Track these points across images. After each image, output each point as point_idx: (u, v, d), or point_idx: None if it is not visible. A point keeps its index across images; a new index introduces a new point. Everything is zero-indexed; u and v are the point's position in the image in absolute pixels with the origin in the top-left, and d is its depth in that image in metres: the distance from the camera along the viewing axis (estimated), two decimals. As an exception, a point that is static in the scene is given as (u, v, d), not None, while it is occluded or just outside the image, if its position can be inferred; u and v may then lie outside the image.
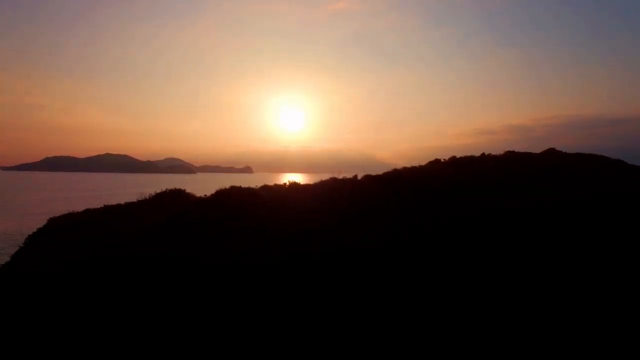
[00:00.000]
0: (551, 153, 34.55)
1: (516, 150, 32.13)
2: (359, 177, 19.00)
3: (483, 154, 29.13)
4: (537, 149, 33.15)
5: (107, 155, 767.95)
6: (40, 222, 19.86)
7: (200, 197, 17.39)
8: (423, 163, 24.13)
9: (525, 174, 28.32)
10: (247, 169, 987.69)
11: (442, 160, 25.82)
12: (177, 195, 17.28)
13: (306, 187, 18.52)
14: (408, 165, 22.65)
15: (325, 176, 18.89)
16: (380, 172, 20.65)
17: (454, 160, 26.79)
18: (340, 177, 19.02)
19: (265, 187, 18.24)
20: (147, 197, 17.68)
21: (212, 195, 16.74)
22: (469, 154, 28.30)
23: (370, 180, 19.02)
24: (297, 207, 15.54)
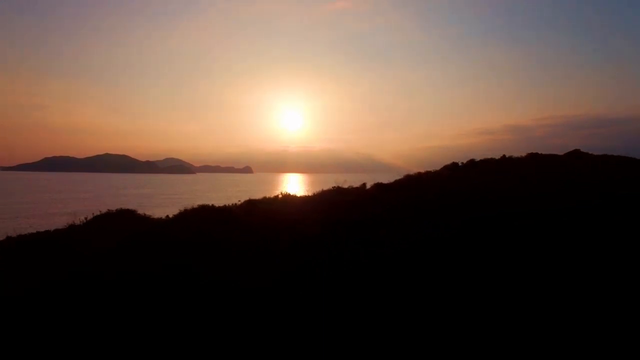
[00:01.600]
0: (577, 155, 32.04)
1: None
2: (368, 186, 15.78)
3: (504, 156, 26.42)
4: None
5: (107, 155, 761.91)
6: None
7: (159, 218, 13.57)
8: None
9: (552, 177, 26.64)
10: (247, 169, 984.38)
11: (460, 164, 22.71)
12: (125, 218, 13.09)
13: (302, 201, 14.96)
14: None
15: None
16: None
17: (472, 164, 23.75)
18: (346, 186, 15.73)
19: (250, 203, 14.62)
20: (82, 222, 13.51)
21: (174, 216, 13.19)
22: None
23: (382, 192, 15.71)
24: (287, 236, 12.29)
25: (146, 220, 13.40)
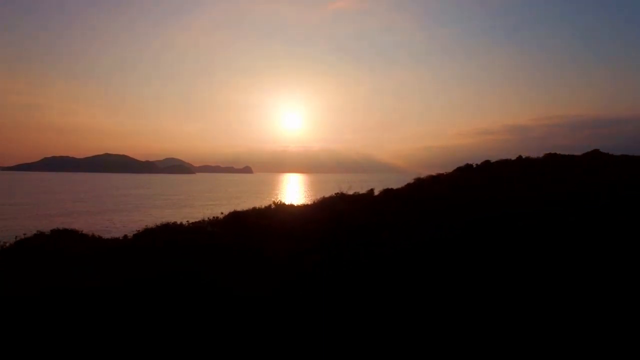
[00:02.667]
0: (596, 155, 30.37)
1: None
2: (376, 193, 13.83)
3: (520, 157, 24.67)
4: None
5: (107, 155, 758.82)
6: None
7: (115, 238, 11.33)
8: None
9: (564, 178, 25.55)
10: (247, 169, 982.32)
11: (475, 166, 20.82)
12: (65, 239, 10.78)
13: (300, 210, 12.87)
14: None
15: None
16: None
17: (487, 165, 21.88)
18: (350, 192, 13.80)
19: (234, 215, 12.43)
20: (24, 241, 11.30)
21: (133, 236, 11.08)
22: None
23: (389, 196, 13.74)
24: (285, 241, 10.91)
25: (99, 240, 11.44)
